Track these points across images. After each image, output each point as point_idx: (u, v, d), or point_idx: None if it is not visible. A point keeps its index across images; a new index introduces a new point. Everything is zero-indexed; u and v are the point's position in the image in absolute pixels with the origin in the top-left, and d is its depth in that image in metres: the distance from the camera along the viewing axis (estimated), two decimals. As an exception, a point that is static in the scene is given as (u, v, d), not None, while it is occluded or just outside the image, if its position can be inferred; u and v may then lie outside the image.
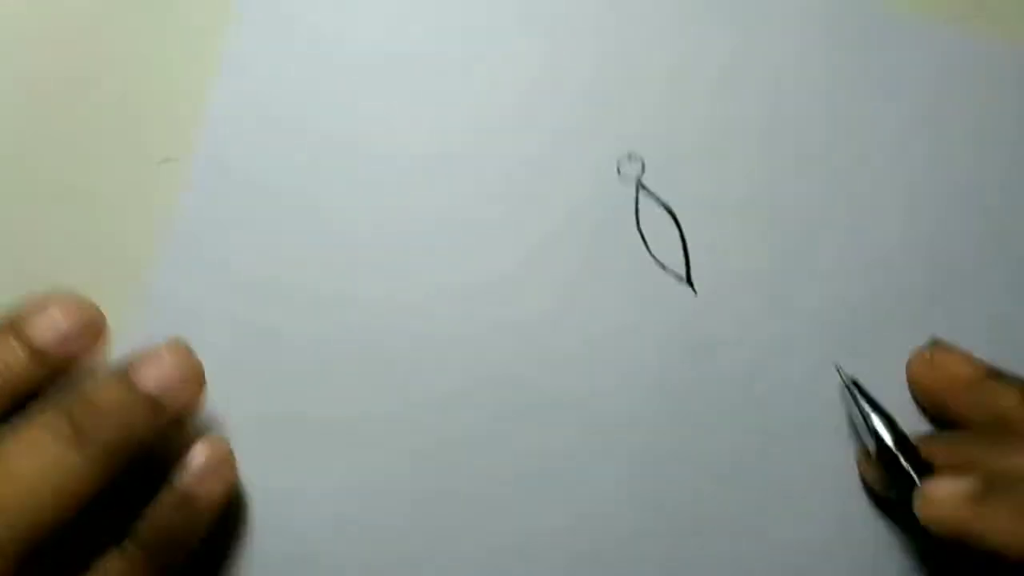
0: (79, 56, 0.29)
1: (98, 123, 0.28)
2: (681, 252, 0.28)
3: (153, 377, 0.22)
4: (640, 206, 0.28)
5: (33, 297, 0.23)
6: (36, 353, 0.22)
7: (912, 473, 0.24)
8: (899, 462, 0.24)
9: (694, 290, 0.28)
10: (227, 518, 0.25)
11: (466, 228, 0.28)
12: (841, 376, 0.27)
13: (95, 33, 0.29)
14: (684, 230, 0.28)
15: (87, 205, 0.28)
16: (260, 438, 0.26)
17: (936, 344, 0.27)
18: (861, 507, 0.27)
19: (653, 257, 0.28)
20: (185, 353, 0.23)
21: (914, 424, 0.27)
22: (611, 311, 0.28)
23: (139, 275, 0.27)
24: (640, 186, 0.29)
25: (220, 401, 0.26)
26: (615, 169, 0.29)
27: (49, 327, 0.22)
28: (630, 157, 0.29)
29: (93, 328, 0.23)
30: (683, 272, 0.28)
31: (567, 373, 0.27)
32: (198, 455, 0.23)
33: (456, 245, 0.28)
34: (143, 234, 0.28)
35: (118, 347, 0.25)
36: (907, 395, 0.28)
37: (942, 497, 0.23)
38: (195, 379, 0.23)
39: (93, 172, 0.28)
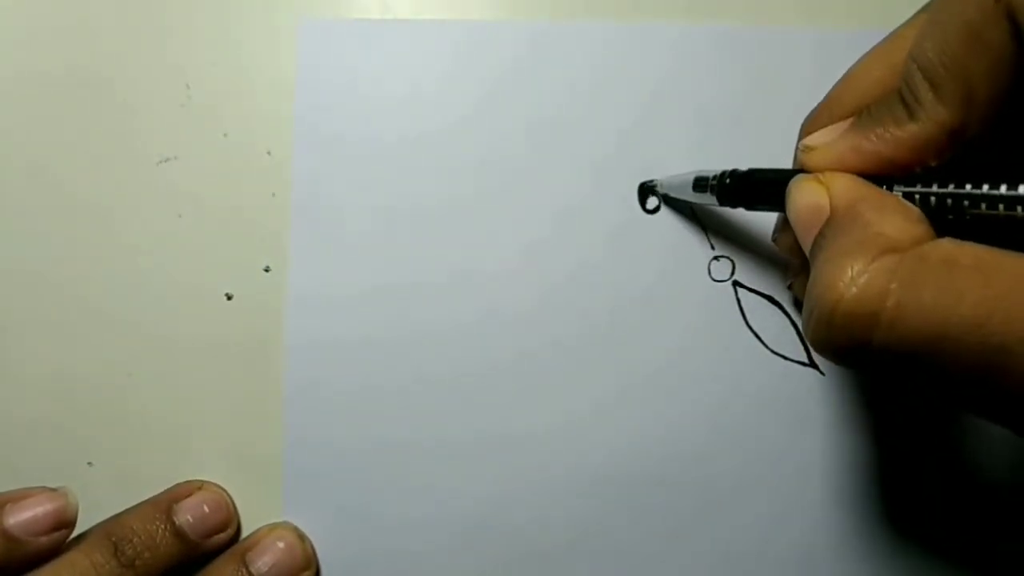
0: (79, 56, 0.30)
1: (98, 123, 0.30)
2: (795, 336, 0.30)
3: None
4: (742, 302, 0.30)
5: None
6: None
7: None
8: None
9: (820, 372, 0.29)
10: None
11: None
12: None
13: (94, 33, 0.30)
14: (791, 314, 0.30)
15: (86, 204, 0.30)
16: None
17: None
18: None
19: (773, 352, 0.30)
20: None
21: None
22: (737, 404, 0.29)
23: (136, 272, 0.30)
24: (737, 285, 0.30)
25: None
26: (706, 273, 0.30)
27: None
28: (717, 259, 0.30)
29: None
30: (804, 358, 0.29)
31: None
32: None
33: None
34: (140, 233, 0.30)
35: (118, 342, 0.30)
36: None
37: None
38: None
39: (92, 172, 0.30)
